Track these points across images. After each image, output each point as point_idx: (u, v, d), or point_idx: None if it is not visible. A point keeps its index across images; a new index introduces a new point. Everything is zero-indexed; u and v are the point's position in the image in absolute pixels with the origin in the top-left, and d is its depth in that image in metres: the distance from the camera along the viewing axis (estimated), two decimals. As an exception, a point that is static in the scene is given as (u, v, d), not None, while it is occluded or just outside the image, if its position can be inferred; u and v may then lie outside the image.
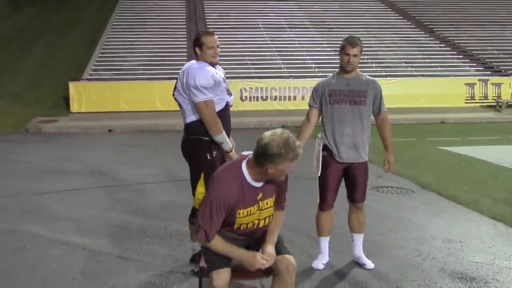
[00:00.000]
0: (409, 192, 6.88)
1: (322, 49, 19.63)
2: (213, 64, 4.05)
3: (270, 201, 3.01)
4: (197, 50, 4.04)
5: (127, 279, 4.07)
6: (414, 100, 16.63)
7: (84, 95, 15.51)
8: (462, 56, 20.09)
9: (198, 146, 4.01)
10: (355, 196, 4.27)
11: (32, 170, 8.34)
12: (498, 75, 18.31)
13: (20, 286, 3.99)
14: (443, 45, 21.09)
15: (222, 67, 4.32)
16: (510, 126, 14.00)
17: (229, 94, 4.17)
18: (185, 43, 19.62)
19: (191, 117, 4.02)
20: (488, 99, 17.40)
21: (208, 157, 3.98)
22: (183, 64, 4.36)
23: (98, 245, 4.83)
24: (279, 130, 2.84)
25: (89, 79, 16.56)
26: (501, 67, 19.12)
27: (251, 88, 16.28)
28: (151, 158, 9.61)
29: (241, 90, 16.04)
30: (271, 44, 20.09)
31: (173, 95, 4.12)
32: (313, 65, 18.23)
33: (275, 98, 16.40)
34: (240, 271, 3.05)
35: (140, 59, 18.26)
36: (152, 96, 15.43)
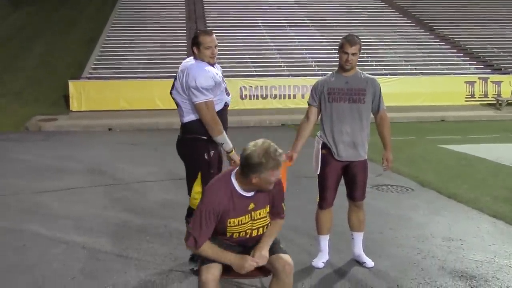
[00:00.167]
0: (409, 191, 6.88)
1: (322, 47, 19.61)
2: (211, 64, 4.00)
3: (264, 211, 3.06)
4: (195, 49, 3.98)
5: (127, 278, 4.07)
6: (414, 98, 16.64)
7: (84, 94, 15.50)
8: (462, 54, 20.08)
9: (195, 145, 3.98)
10: (354, 195, 4.27)
11: (32, 168, 8.34)
12: (498, 73, 18.32)
13: (20, 285, 3.99)
14: (443, 43, 21.08)
15: (220, 66, 4.27)
16: (510, 124, 13.98)
17: (227, 94, 4.14)
18: (185, 41, 19.58)
19: (190, 116, 3.98)
20: (488, 97, 17.40)
21: (206, 157, 3.95)
22: (182, 63, 4.32)
23: (98, 243, 4.83)
24: (260, 141, 2.92)
25: (89, 78, 16.56)
26: (501, 65, 19.10)
27: (251, 86, 16.25)
28: (151, 156, 9.61)
29: (241, 88, 16.03)
30: (271, 42, 20.06)
31: (171, 93, 4.08)
32: (313, 63, 18.22)
33: (275, 96, 16.39)
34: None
35: (140, 58, 18.25)
36: (152, 95, 15.40)
